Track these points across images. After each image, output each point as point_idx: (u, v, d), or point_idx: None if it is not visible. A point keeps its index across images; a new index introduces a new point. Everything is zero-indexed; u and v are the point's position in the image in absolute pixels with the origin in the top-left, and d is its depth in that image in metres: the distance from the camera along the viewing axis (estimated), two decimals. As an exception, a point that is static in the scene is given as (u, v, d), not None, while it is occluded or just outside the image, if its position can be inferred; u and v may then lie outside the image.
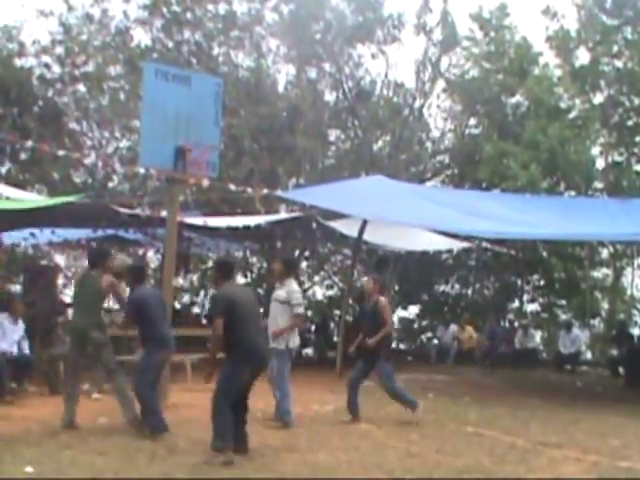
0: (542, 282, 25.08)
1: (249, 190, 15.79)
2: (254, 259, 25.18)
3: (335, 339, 21.42)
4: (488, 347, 21.23)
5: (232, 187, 15.24)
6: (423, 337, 26.82)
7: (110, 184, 22.88)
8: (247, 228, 16.58)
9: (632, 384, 17.22)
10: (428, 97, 25.76)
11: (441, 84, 25.92)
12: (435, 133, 26.77)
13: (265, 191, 16.11)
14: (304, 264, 25.23)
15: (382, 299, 11.14)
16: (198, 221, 16.17)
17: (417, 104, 25.45)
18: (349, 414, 10.91)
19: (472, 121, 26.06)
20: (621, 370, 19.09)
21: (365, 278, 12.54)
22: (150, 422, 9.18)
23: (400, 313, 27.15)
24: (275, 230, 18.02)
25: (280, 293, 10.46)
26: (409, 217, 15.66)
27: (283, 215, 19.01)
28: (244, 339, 8.29)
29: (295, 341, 10.51)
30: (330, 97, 25.43)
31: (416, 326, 27.28)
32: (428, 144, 26.17)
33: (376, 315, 10.99)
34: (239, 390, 8.35)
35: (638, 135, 23.77)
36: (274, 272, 11.51)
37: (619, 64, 23.60)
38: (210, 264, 25.80)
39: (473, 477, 7.60)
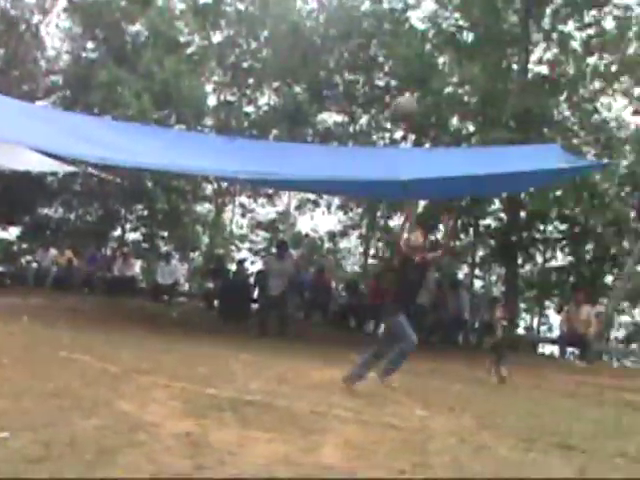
0: (145, 212, 25.34)
1: None
2: None
3: None
4: (87, 273, 21.18)
5: None
6: (22, 260, 26.09)
7: None
8: None
9: (225, 317, 17.97)
10: (47, 15, 24.88)
11: (62, 3, 25.11)
12: (51, 52, 26.02)
13: None
14: None
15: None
16: None
17: (35, 20, 24.50)
18: None
19: (90, 45, 25.50)
20: (216, 303, 19.86)
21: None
22: None
23: (-1, 234, 26.32)
24: None
25: None
26: (13, 135, 14.98)
27: None
28: None
29: None
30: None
31: (16, 248, 26.53)
32: (42, 63, 25.35)
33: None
34: None
35: (251, 77, 24.61)
36: None
37: (241, 6, 24.20)
38: None
39: (63, 400, 7.58)
